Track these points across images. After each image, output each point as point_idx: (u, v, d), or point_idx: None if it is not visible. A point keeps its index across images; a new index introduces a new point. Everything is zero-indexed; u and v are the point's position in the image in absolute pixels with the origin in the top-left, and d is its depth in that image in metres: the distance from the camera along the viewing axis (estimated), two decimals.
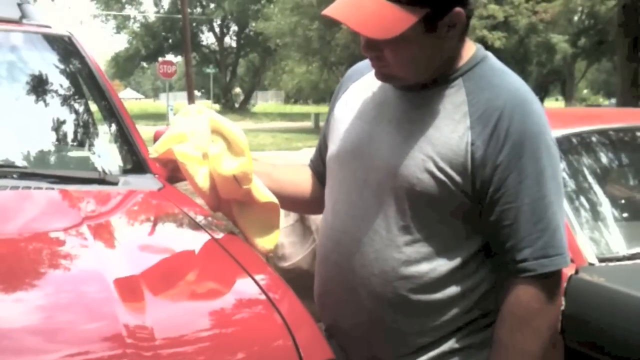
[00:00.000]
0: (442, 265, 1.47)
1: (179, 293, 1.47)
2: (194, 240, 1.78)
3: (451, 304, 1.49)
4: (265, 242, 1.71)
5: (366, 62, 1.63)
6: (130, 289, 1.37)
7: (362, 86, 1.62)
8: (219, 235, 1.73)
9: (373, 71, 1.57)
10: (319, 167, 1.80)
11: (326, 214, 1.65)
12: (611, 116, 3.42)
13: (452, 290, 1.48)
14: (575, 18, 30.19)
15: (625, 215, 2.59)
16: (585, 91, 51.47)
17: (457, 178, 1.41)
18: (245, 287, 1.50)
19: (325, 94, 55.21)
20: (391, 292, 1.49)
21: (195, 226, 1.87)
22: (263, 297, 1.43)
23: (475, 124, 1.41)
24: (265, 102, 66.66)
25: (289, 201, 1.79)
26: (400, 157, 1.45)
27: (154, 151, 1.62)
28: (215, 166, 1.56)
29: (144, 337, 1.21)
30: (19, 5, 2.84)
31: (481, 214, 1.45)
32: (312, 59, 34.50)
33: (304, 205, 1.83)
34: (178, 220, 1.96)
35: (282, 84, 53.70)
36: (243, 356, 1.25)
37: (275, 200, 1.67)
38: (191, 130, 1.58)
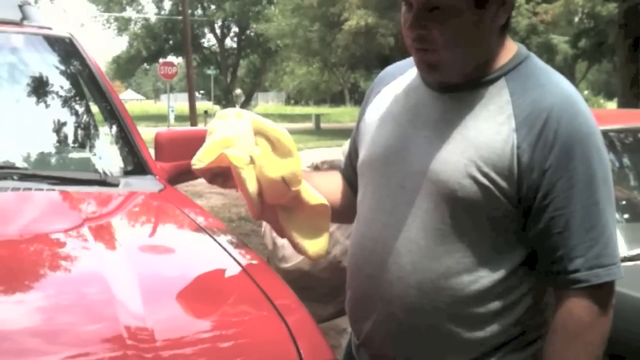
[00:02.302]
0: (483, 277, 1.37)
1: (179, 295, 1.47)
2: (195, 242, 1.78)
3: (492, 320, 1.40)
4: (316, 247, 1.60)
5: (398, 65, 1.59)
6: (130, 290, 1.37)
7: (395, 89, 1.54)
8: (220, 237, 1.73)
9: (406, 73, 1.52)
10: (349, 175, 1.70)
11: (358, 222, 1.55)
12: (611, 117, 3.43)
13: (494, 304, 1.38)
14: (576, 19, 30.16)
15: (625, 216, 2.59)
16: (585, 92, 51.43)
17: (502, 183, 1.33)
18: (246, 288, 1.50)
19: (326, 95, 55.33)
20: (429, 305, 1.39)
21: (196, 227, 1.87)
22: (264, 298, 1.43)
23: (520, 126, 1.33)
24: (266, 103, 66.64)
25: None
26: (440, 162, 1.37)
27: (198, 161, 1.50)
28: (263, 169, 1.49)
29: (144, 338, 1.21)
30: (20, 7, 2.84)
31: (527, 222, 1.36)
32: (312, 60, 34.49)
33: (337, 214, 1.66)
34: (179, 221, 1.97)
35: (283, 85, 53.73)
36: (243, 358, 1.25)
37: (325, 202, 1.58)
38: (235, 134, 1.50)
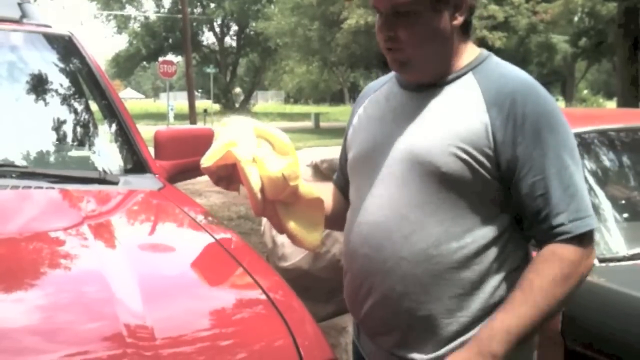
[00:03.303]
0: (470, 243, 1.53)
1: (179, 293, 1.47)
2: (194, 240, 1.78)
3: (480, 282, 1.55)
4: (312, 238, 1.73)
5: (379, 80, 1.81)
6: (130, 288, 1.37)
7: (377, 97, 1.74)
8: (219, 235, 1.74)
9: (385, 85, 1.73)
10: (341, 182, 1.88)
11: (351, 212, 1.70)
12: (611, 117, 3.43)
13: (481, 267, 1.54)
14: (576, 18, 30.17)
15: (625, 215, 2.59)
16: (585, 91, 51.41)
17: (481, 158, 1.50)
18: (246, 286, 1.50)
19: (325, 94, 55.34)
20: (422, 272, 1.54)
21: (196, 226, 1.87)
22: (263, 297, 1.43)
23: (490, 108, 1.52)
24: (265, 102, 66.62)
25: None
26: (424, 145, 1.54)
27: (206, 160, 1.68)
28: (264, 166, 1.64)
29: (144, 337, 1.21)
30: (20, 4, 2.84)
31: (511, 191, 1.53)
32: (312, 59, 34.48)
33: (329, 221, 1.83)
34: (178, 220, 1.97)
35: (282, 84, 53.68)
36: (243, 356, 1.25)
37: (319, 195, 1.73)
38: (239, 137, 1.67)
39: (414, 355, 1.58)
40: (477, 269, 1.54)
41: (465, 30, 1.61)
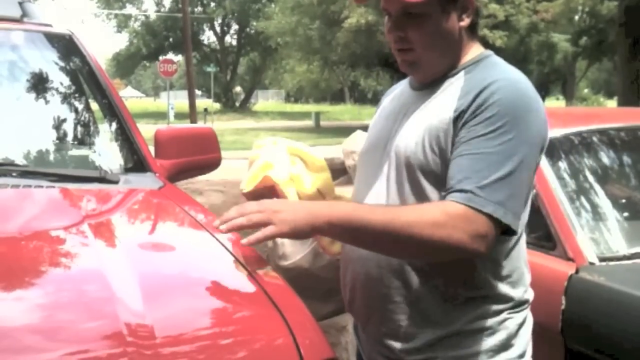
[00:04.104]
0: None
1: (179, 292, 1.47)
2: (195, 239, 1.78)
3: (456, 270, 1.53)
4: (338, 247, 1.83)
5: (400, 83, 1.84)
6: (130, 287, 1.38)
7: (393, 96, 1.81)
8: (220, 234, 1.73)
9: (401, 88, 1.78)
10: None
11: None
12: (612, 116, 3.43)
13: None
14: (576, 17, 30.15)
15: (625, 214, 2.59)
16: (585, 90, 51.35)
17: (445, 145, 1.52)
18: (246, 285, 1.50)
19: (326, 93, 55.30)
20: (395, 259, 1.57)
21: (196, 225, 1.87)
22: (263, 296, 1.43)
23: (462, 95, 1.54)
24: (265, 101, 66.58)
25: None
26: (405, 140, 1.60)
27: (246, 185, 1.76)
28: (301, 184, 1.76)
29: (144, 335, 1.21)
30: (20, 4, 2.84)
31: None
32: (312, 58, 34.47)
33: None
34: (179, 219, 1.97)
35: (283, 83, 53.69)
36: (243, 355, 1.25)
37: None
38: (273, 159, 1.78)
39: (398, 344, 1.60)
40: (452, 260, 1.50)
41: (472, 31, 1.65)
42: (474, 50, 1.65)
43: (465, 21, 1.62)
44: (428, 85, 1.65)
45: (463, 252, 1.42)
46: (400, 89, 1.79)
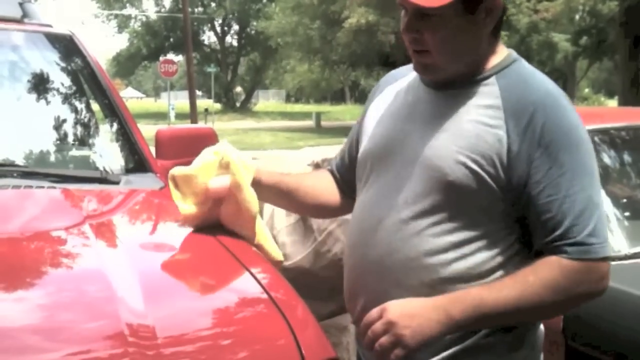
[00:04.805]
0: (469, 257, 1.46)
1: (180, 292, 1.47)
2: (196, 240, 1.78)
3: (457, 286, 1.47)
4: (277, 253, 1.81)
5: (401, 69, 1.72)
6: (132, 288, 1.37)
7: (397, 88, 1.66)
8: (221, 234, 1.73)
9: (408, 75, 1.64)
10: (343, 172, 1.83)
11: (356, 209, 1.65)
12: (613, 115, 3.42)
13: (477, 283, 1.46)
14: (577, 17, 30.13)
15: (626, 214, 2.59)
16: (586, 90, 51.33)
17: (491, 170, 1.43)
18: (247, 286, 1.50)
19: (326, 93, 55.27)
20: (415, 280, 1.48)
21: None
22: (265, 296, 1.43)
23: (509, 118, 1.44)
24: (266, 101, 66.53)
25: (314, 209, 1.88)
26: (433, 150, 1.48)
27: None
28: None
29: (145, 335, 1.21)
30: (21, 4, 2.84)
31: (522, 208, 1.46)
32: (313, 58, 34.45)
33: (332, 210, 1.86)
34: (180, 219, 1.96)
35: (283, 83, 53.63)
36: (244, 355, 1.25)
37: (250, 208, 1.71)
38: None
39: None
40: (473, 284, 1.45)
41: (496, 31, 1.52)
42: (500, 52, 1.53)
43: (490, 24, 1.48)
44: (448, 86, 1.53)
45: (591, 299, 1.46)
46: (409, 82, 1.64)
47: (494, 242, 1.47)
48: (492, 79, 1.50)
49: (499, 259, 1.48)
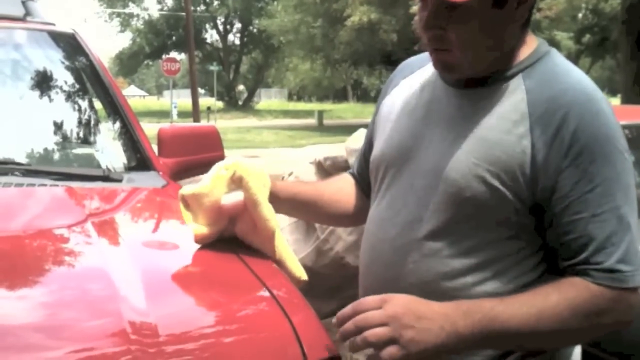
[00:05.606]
0: (487, 279, 1.33)
1: (183, 290, 1.47)
2: None
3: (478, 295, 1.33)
4: (301, 272, 1.67)
5: (418, 58, 1.58)
6: (134, 286, 1.38)
7: (412, 83, 1.52)
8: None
9: (425, 67, 1.50)
10: (364, 176, 1.68)
11: (369, 221, 1.54)
12: (614, 114, 3.41)
13: None
14: (579, 15, 30.12)
15: None
16: None
17: (513, 184, 1.28)
18: (250, 284, 1.50)
19: (329, 92, 55.25)
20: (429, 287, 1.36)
21: None
22: (267, 294, 1.43)
23: (535, 125, 1.28)
24: (268, 99, 66.50)
25: (335, 218, 1.74)
26: (449, 160, 1.34)
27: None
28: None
29: (148, 333, 1.21)
30: (23, 3, 2.84)
31: (544, 224, 1.31)
32: (315, 56, 34.48)
33: (353, 218, 1.71)
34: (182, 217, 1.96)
35: (286, 81, 53.72)
36: (246, 353, 1.25)
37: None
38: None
39: None
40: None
41: (526, 23, 1.35)
42: (528, 44, 1.36)
43: (522, 16, 1.32)
44: (469, 83, 1.38)
45: (613, 329, 1.30)
46: (427, 77, 1.48)
47: (517, 263, 1.34)
48: (518, 78, 1.34)
49: (524, 280, 1.33)
